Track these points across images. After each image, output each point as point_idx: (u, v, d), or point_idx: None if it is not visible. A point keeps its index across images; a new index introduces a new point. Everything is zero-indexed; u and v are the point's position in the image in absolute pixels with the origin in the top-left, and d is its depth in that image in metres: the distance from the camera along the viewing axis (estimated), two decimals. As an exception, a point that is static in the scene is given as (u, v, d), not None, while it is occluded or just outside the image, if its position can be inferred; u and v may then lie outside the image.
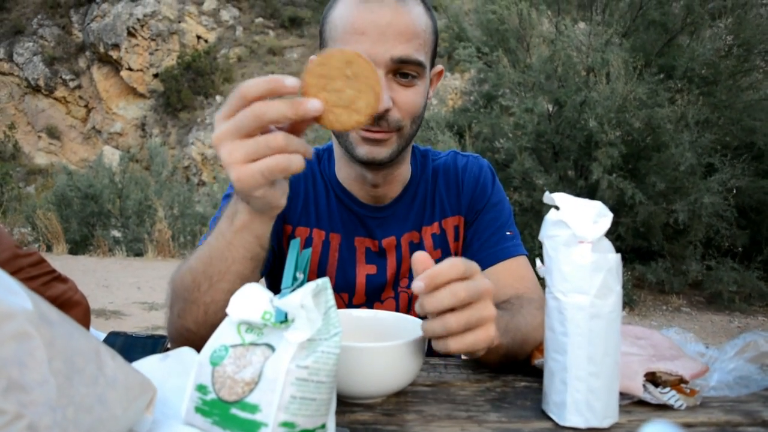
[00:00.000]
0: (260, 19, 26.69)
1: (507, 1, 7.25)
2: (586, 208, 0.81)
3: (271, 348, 0.68)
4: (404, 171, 1.29)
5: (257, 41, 25.93)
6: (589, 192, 6.67)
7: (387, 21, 1.05)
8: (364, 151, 1.13)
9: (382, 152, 1.13)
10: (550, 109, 7.17)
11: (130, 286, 7.70)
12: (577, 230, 0.80)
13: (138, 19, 25.04)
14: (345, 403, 0.86)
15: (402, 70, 1.09)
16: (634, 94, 6.19)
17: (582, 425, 0.79)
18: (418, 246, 1.29)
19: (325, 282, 0.69)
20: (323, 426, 0.68)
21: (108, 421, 0.61)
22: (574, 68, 6.92)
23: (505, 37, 7.46)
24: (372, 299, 1.28)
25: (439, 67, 1.24)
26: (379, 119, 1.09)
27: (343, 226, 1.27)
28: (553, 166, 6.96)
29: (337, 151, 1.28)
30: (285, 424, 0.64)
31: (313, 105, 0.76)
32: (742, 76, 6.87)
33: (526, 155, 6.54)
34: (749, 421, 0.84)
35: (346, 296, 1.27)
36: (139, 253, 10.62)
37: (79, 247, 10.90)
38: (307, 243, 1.25)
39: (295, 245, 0.73)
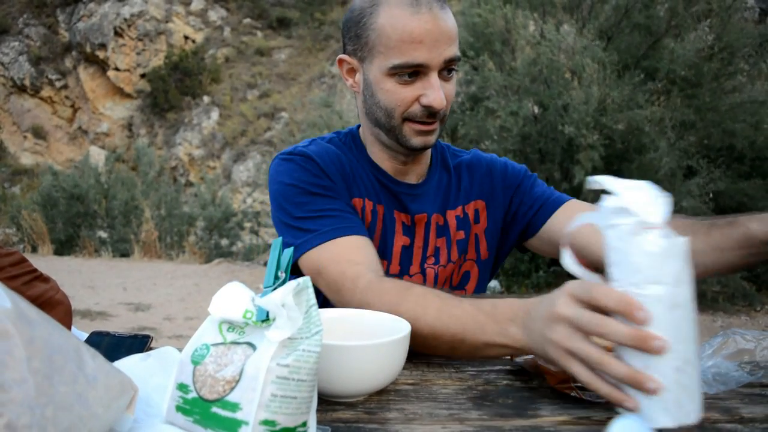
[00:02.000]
0: (248, 20, 26.60)
1: (492, 4, 7.27)
2: (642, 189, 0.74)
3: (253, 347, 0.68)
4: (428, 153, 1.42)
5: (245, 42, 25.84)
6: (573, 194, 6.69)
7: (438, 28, 1.18)
8: (418, 141, 1.27)
9: (431, 139, 1.28)
10: (536, 111, 7.21)
11: (116, 287, 7.66)
12: (644, 216, 0.73)
13: (125, 19, 24.89)
14: (327, 402, 0.87)
15: (447, 68, 1.23)
16: (611, 98, 6.23)
17: (672, 425, 0.72)
18: (443, 227, 1.39)
19: (306, 281, 0.69)
20: (304, 424, 0.68)
21: (88, 420, 0.61)
22: (558, 71, 6.96)
23: (490, 40, 7.49)
24: (404, 270, 1.37)
25: None
26: (434, 114, 1.23)
27: (385, 199, 1.36)
28: (539, 168, 6.99)
29: (370, 138, 1.38)
30: (265, 422, 0.64)
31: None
32: (726, 79, 6.94)
33: (511, 157, 6.55)
34: (727, 418, 0.85)
35: (385, 264, 1.34)
36: (125, 254, 10.57)
37: (64, 247, 10.84)
38: (362, 212, 1.32)
39: (276, 244, 0.74)
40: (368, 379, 0.85)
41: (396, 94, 1.22)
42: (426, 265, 1.39)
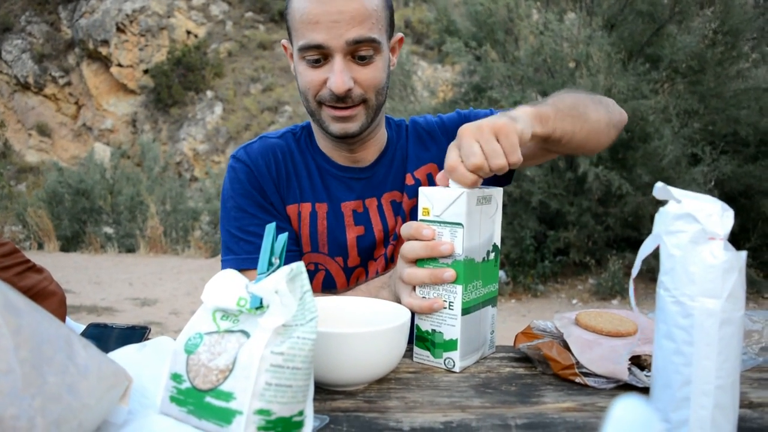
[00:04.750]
0: (250, 14, 26.54)
1: (495, -7, 7.23)
2: (706, 200, 0.72)
3: (246, 335, 0.66)
4: (380, 137, 1.38)
5: (247, 36, 25.79)
6: (578, 183, 6.67)
7: (338, 9, 1.14)
8: (336, 128, 1.24)
9: (352, 127, 1.24)
10: (540, 100, 7.16)
11: (122, 282, 7.68)
12: (708, 225, 0.70)
13: (127, 15, 24.86)
14: (326, 391, 0.85)
15: (359, 52, 1.18)
16: (617, 87, 6.19)
17: None
18: (399, 204, 1.36)
19: (299, 266, 0.67)
20: (301, 413, 0.67)
21: (79, 411, 0.60)
22: (561, 60, 6.91)
23: (493, 29, 7.44)
24: (366, 259, 1.35)
25: (398, 35, 1.33)
26: (342, 98, 1.19)
27: (328, 195, 1.33)
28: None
29: (316, 126, 1.35)
30: (260, 412, 0.63)
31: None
32: (730, 65, 6.88)
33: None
34: (734, 403, 0.83)
35: (341, 260, 1.33)
36: (131, 249, 10.59)
37: (70, 244, 10.86)
38: (298, 218, 1.31)
39: (270, 230, 0.72)
40: (367, 367, 0.83)
41: (306, 77, 1.21)
42: (389, 246, 1.36)
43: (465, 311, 0.95)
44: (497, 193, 1.01)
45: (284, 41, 1.32)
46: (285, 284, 0.65)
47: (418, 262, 0.97)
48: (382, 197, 1.36)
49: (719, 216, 0.70)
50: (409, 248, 0.97)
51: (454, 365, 0.95)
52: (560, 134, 1.11)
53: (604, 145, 1.29)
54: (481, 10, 7.41)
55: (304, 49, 1.17)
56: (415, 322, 0.98)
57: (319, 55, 1.18)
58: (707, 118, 6.81)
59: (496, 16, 7.32)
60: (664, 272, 0.73)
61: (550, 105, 1.12)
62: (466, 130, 0.94)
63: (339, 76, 1.16)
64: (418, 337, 0.98)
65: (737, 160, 6.53)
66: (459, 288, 0.94)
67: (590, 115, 1.20)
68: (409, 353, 1.02)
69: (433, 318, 0.96)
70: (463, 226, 0.93)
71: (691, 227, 0.70)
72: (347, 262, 1.33)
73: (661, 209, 0.74)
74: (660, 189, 0.75)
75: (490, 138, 0.92)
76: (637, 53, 6.89)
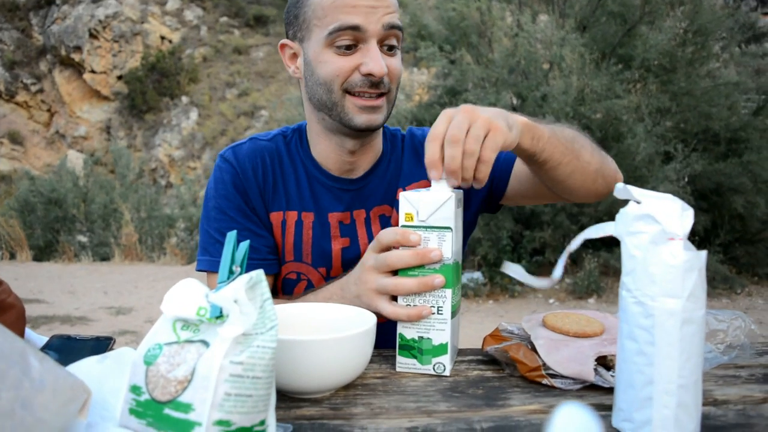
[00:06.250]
0: (225, 18, 26.38)
1: (466, -3, 7.27)
2: (667, 200, 0.72)
3: (206, 344, 0.66)
4: (378, 143, 1.35)
5: (222, 40, 25.63)
6: (555, 183, 6.72)
7: None
8: (362, 119, 1.19)
9: (378, 118, 1.21)
10: (514, 102, 7.21)
11: (96, 291, 7.57)
12: (668, 225, 0.70)
13: (100, 21, 24.58)
14: (291, 399, 0.85)
15: (389, 40, 1.18)
16: (590, 87, 6.25)
17: None
18: (389, 219, 1.33)
19: (259, 274, 0.67)
20: (262, 422, 0.66)
21: (33, 426, 0.59)
22: (535, 62, 6.97)
23: (466, 33, 7.48)
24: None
25: None
26: (377, 84, 1.17)
27: (316, 204, 1.30)
28: (518, 158, 7.00)
29: (315, 128, 1.30)
30: (220, 423, 0.62)
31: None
32: (701, 64, 6.99)
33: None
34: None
35: (324, 270, 1.31)
36: (105, 258, 10.45)
37: (43, 253, 10.70)
38: (283, 226, 1.29)
39: (231, 238, 0.71)
40: (332, 374, 0.83)
41: (334, 65, 1.17)
42: None
43: (453, 314, 0.95)
44: (461, 193, 1.01)
45: (285, 41, 1.27)
46: (244, 293, 0.64)
47: (401, 271, 0.95)
48: (372, 210, 1.33)
49: (679, 216, 0.71)
50: (396, 258, 0.95)
51: (444, 369, 0.94)
52: (546, 158, 1.10)
53: (588, 191, 1.26)
54: (454, 15, 7.45)
55: (337, 31, 1.14)
56: (398, 331, 0.96)
57: (352, 40, 1.15)
58: (679, 116, 6.91)
59: (469, 19, 7.36)
60: (626, 273, 0.73)
61: (548, 127, 1.11)
62: (464, 110, 0.94)
63: (379, 60, 1.14)
64: (402, 346, 0.96)
65: (708, 158, 6.64)
66: (448, 292, 0.93)
67: (583, 154, 1.18)
68: (375, 358, 1.02)
69: (420, 325, 0.95)
70: (452, 229, 0.92)
71: (651, 228, 0.71)
72: (330, 272, 1.31)
73: (622, 210, 0.74)
74: (621, 189, 0.75)
75: (480, 132, 0.92)
76: (609, 54, 6.97)
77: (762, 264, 6.97)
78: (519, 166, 1.33)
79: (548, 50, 6.87)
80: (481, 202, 1.39)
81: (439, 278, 0.92)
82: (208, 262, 1.27)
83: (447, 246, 0.92)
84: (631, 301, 0.72)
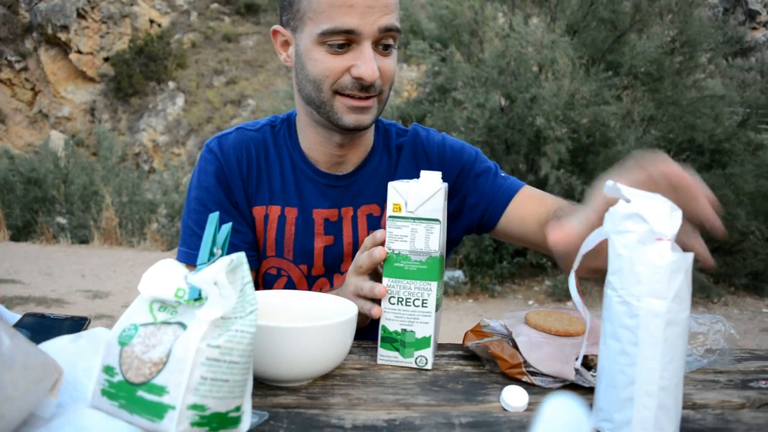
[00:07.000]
0: (215, 5, 26.16)
1: (460, -5, 7.27)
2: (656, 200, 0.71)
3: (183, 327, 0.64)
4: (369, 137, 1.31)
5: (212, 27, 25.41)
6: (539, 186, 6.73)
7: None
8: (351, 119, 1.17)
9: (367, 119, 1.18)
10: (503, 103, 7.22)
11: (74, 273, 7.49)
12: (656, 225, 0.69)
13: (88, 1, 24.27)
14: (268, 386, 0.83)
15: (383, 41, 1.14)
16: (580, 93, 6.28)
17: None
18: (377, 219, 1.30)
19: (240, 257, 0.65)
20: (238, 408, 0.64)
21: (1, 403, 0.57)
22: (525, 64, 6.98)
23: (458, 31, 7.47)
24: (331, 270, 1.30)
25: None
26: (367, 88, 1.13)
27: (300, 199, 1.27)
28: (504, 159, 7.01)
29: (304, 119, 1.27)
30: (194, 407, 0.60)
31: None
32: (687, 74, 7.05)
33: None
34: (677, 404, 0.84)
35: (305, 268, 1.28)
36: (84, 241, 10.34)
37: (21, 233, 10.57)
38: (265, 220, 1.26)
39: (212, 220, 0.70)
40: (310, 363, 0.81)
41: (324, 64, 1.13)
42: None
43: (437, 308, 0.94)
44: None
45: (278, 27, 1.23)
46: (225, 275, 0.63)
47: (392, 268, 0.95)
48: (359, 209, 1.29)
49: (668, 216, 0.70)
50: (357, 258, 1.02)
51: (426, 362, 0.94)
52: None
53: None
54: (446, 13, 7.44)
55: (330, 33, 1.10)
56: (381, 324, 0.95)
57: (346, 41, 1.11)
58: (665, 125, 6.96)
59: (461, 18, 7.36)
60: (612, 272, 0.73)
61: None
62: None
63: (370, 64, 1.10)
64: (384, 339, 0.95)
65: (692, 167, 6.70)
66: (434, 285, 0.92)
67: None
68: (355, 349, 1.00)
69: (403, 317, 0.94)
70: (440, 222, 0.91)
71: (639, 227, 0.70)
72: (311, 270, 1.28)
73: (611, 208, 0.73)
74: (610, 187, 0.74)
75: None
76: (599, 59, 7.00)
77: (739, 274, 7.05)
78: (517, 211, 1.29)
79: (539, 53, 6.88)
80: (467, 229, 1.37)
81: (379, 287, 0.95)
82: (185, 254, 1.25)
83: (434, 238, 0.91)
84: (616, 300, 0.72)
